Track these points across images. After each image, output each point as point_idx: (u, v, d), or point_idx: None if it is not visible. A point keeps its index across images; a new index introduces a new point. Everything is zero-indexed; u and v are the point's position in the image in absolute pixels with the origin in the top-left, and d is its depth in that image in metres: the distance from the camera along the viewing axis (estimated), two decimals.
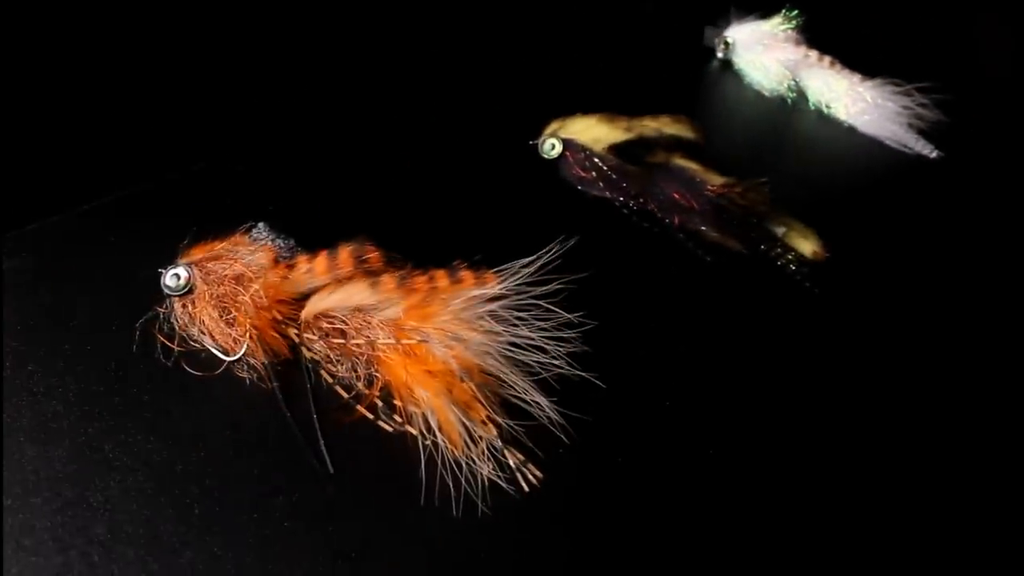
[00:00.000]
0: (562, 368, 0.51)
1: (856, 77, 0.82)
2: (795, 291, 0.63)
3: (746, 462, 0.52)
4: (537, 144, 0.68)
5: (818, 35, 0.85)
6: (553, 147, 0.67)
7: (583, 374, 0.51)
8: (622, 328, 0.58)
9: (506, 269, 0.52)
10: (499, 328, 0.51)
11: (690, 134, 0.67)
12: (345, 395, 0.52)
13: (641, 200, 0.66)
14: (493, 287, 0.51)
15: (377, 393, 0.52)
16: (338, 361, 0.52)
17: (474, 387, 0.49)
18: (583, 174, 0.66)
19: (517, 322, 0.51)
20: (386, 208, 0.66)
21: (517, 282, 0.52)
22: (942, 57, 0.90)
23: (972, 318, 0.63)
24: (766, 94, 0.84)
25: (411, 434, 0.50)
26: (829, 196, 0.73)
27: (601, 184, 0.66)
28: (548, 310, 0.51)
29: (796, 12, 0.84)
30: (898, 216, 0.72)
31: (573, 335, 0.51)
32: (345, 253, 0.53)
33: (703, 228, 0.65)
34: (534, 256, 0.53)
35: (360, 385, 0.52)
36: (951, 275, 0.66)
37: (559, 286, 0.52)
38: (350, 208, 0.66)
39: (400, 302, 0.51)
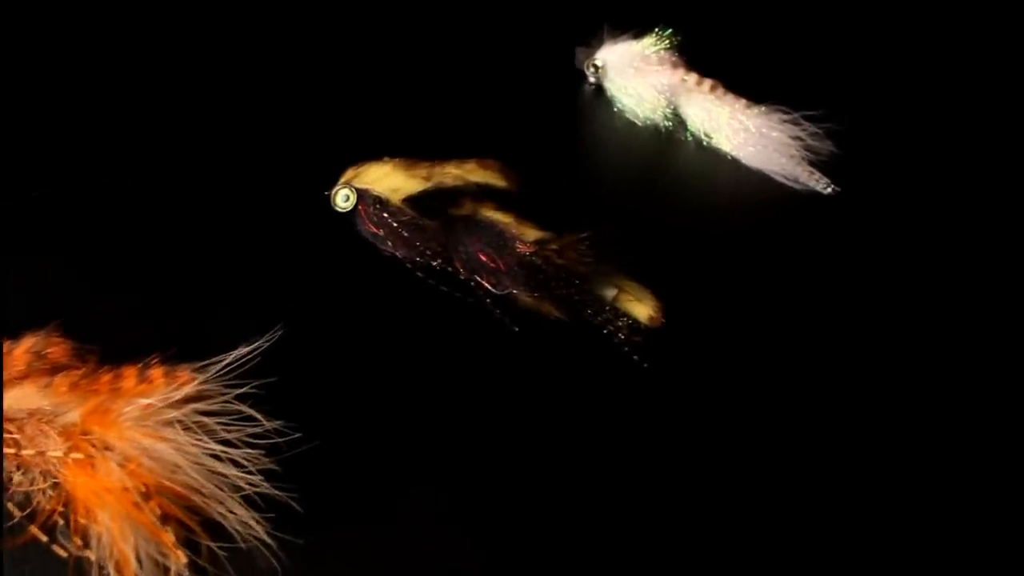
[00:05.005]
0: (258, 486, 0.43)
1: (740, 103, 0.72)
2: (625, 364, 0.55)
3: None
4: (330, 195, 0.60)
5: (699, 56, 0.74)
6: (347, 199, 0.59)
7: (278, 493, 0.43)
8: (399, 410, 0.50)
9: (213, 363, 0.45)
10: (189, 437, 0.43)
11: (500, 182, 0.58)
12: (18, 513, 0.44)
13: (442, 260, 0.58)
14: (187, 387, 0.44)
15: (59, 510, 0.44)
16: (19, 472, 0.45)
17: (157, 507, 0.42)
18: (375, 230, 0.58)
19: (217, 428, 0.43)
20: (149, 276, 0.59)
21: (221, 380, 0.44)
22: (836, 82, 0.78)
23: (854, 383, 0.55)
24: (639, 123, 0.74)
25: (90, 561, 0.42)
26: (707, 238, 0.64)
27: (390, 243, 0.57)
28: (250, 416, 0.43)
29: (670, 31, 0.73)
30: (786, 259, 0.63)
31: (283, 442, 0.44)
32: (21, 348, 0.46)
33: (514, 291, 0.56)
34: (249, 346, 0.45)
35: (40, 502, 0.44)
36: (840, 333, 0.58)
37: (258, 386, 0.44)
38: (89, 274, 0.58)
39: (78, 406, 0.43)
